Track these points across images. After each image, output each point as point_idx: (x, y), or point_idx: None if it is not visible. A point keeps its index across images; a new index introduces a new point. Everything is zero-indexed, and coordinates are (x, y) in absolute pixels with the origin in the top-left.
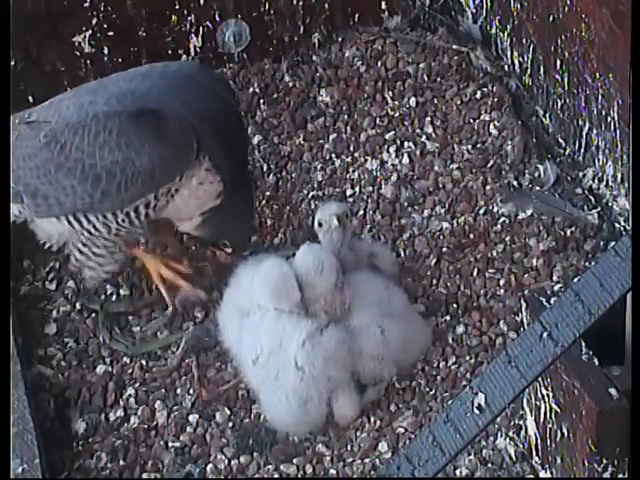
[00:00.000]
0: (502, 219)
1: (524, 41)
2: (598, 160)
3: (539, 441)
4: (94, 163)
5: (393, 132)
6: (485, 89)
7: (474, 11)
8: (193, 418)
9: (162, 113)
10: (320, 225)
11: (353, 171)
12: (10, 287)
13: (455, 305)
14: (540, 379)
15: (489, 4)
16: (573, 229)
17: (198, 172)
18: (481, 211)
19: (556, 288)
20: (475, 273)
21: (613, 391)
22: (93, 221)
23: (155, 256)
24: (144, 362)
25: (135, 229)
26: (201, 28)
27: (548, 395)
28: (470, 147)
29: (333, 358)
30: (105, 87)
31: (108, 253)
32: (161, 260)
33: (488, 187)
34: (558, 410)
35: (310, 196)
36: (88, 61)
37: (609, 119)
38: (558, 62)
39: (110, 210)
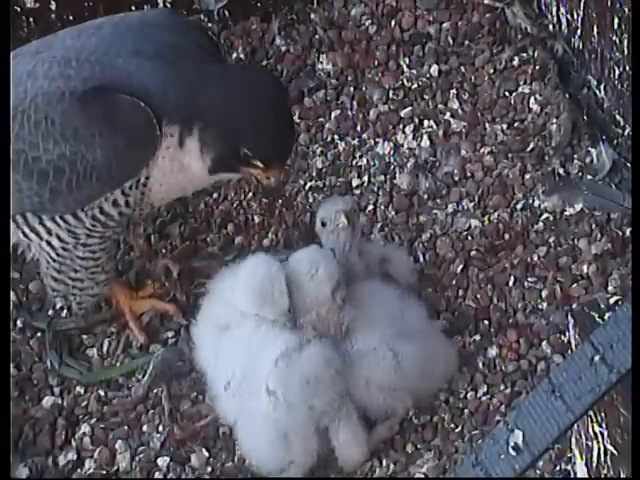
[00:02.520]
0: (545, 215)
1: None
2: None
3: None
4: (38, 157)
5: (410, 108)
6: (524, 54)
7: None
8: (163, 462)
9: (113, 93)
10: (323, 225)
11: (360, 156)
12: (9, 288)
13: (487, 322)
14: (591, 413)
15: None
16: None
17: (163, 148)
18: (519, 206)
19: (612, 301)
20: (511, 282)
21: None
22: (54, 231)
23: (126, 290)
24: (102, 392)
25: (110, 230)
26: None
27: (602, 433)
28: (505, 126)
29: (313, 382)
30: (49, 46)
31: (88, 276)
32: (131, 294)
33: (527, 176)
34: (614, 452)
35: (307, 187)
36: (31, 19)
37: None
38: (616, 20)
39: (65, 212)
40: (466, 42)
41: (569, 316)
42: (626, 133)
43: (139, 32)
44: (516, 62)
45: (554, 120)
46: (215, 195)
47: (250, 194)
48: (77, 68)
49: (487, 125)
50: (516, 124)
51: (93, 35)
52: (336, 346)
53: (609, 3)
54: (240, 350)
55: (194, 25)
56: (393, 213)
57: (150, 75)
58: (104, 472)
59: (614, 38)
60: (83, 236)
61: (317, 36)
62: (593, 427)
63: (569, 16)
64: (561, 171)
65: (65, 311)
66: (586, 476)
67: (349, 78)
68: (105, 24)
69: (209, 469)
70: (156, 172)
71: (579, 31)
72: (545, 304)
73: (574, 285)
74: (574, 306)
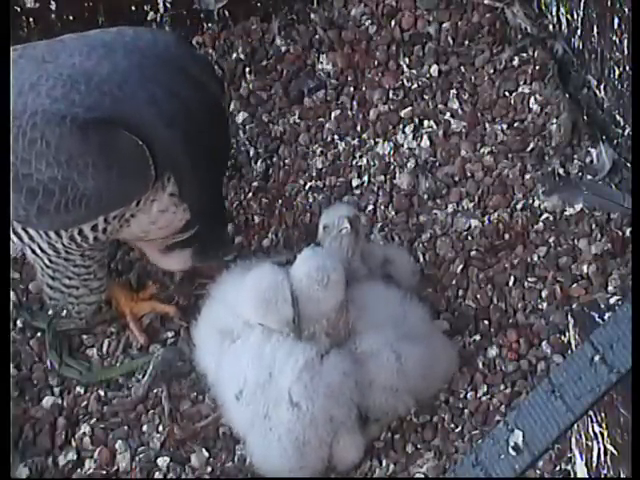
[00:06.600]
0: (545, 215)
1: None
2: None
3: None
4: (29, 174)
5: (410, 108)
6: (524, 54)
7: None
8: (163, 462)
9: (115, 126)
10: (325, 230)
11: (360, 156)
12: (9, 288)
13: (487, 322)
14: (591, 413)
15: None
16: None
17: (160, 197)
18: (519, 206)
19: (612, 301)
20: (511, 282)
21: None
22: (36, 239)
23: (127, 291)
24: (102, 392)
25: (85, 250)
26: None
27: (602, 433)
28: (505, 126)
29: (336, 393)
30: (55, 56)
31: (82, 283)
32: (131, 296)
33: (527, 176)
34: (614, 452)
35: (307, 187)
36: (31, 19)
37: None
38: (616, 20)
39: (49, 229)
40: (466, 42)
41: (569, 316)
42: (626, 133)
43: (152, 67)
44: (516, 62)
45: (554, 120)
46: None
47: (250, 194)
48: (84, 94)
49: (487, 125)
50: (516, 124)
51: (105, 58)
52: (351, 354)
53: (609, 3)
54: (250, 359)
55: (204, 64)
56: (393, 213)
57: (159, 124)
58: (104, 472)
59: (614, 38)
60: (62, 251)
61: (317, 36)
62: (593, 427)
63: (569, 16)
64: (561, 171)
65: (65, 311)
66: (586, 476)
67: (349, 78)
68: (116, 44)
69: (209, 469)
70: (142, 216)
71: (579, 31)
72: (545, 304)
73: (574, 285)
74: (574, 306)
